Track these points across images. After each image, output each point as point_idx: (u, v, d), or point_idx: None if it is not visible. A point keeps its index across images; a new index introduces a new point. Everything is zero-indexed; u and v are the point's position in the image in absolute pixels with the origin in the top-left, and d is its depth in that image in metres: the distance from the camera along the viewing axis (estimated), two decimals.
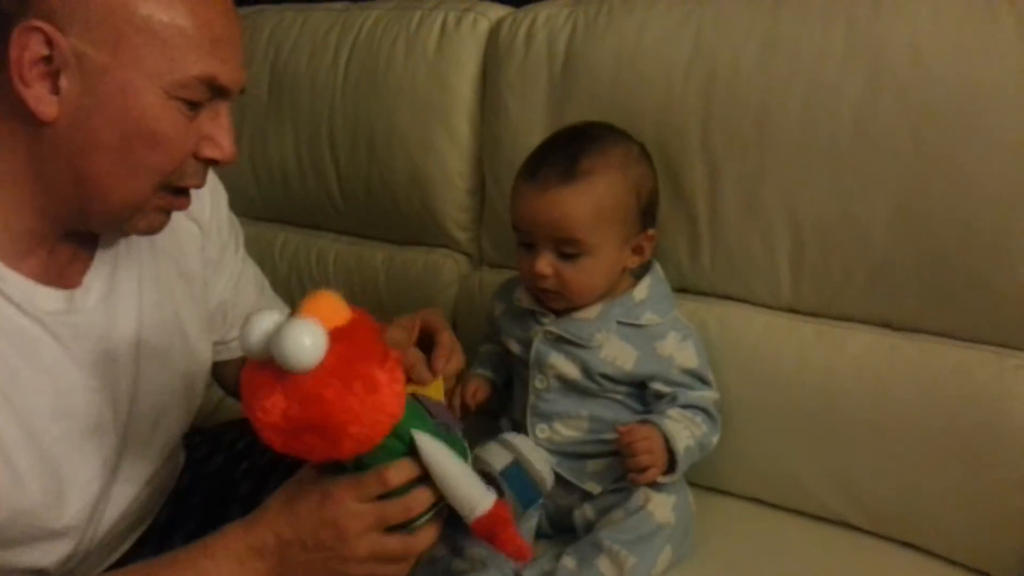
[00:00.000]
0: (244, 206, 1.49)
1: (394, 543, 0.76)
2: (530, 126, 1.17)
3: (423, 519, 0.78)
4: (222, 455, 1.06)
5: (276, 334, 0.68)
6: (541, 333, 1.02)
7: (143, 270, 0.87)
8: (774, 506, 1.07)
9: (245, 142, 1.49)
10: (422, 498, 0.77)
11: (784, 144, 0.99)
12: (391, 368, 0.74)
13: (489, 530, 0.77)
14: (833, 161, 0.97)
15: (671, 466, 0.95)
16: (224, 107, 0.78)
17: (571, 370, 1.00)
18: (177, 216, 0.84)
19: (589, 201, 0.96)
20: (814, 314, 1.05)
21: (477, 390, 1.06)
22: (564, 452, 1.02)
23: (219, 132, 0.77)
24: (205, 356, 0.96)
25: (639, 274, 1.06)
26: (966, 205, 0.92)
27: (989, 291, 0.93)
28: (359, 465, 0.78)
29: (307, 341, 0.68)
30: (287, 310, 0.73)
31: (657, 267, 1.06)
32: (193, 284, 0.94)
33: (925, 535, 0.99)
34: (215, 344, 1.00)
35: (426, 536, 0.78)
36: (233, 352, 1.03)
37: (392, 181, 1.33)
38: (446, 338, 0.92)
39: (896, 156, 0.94)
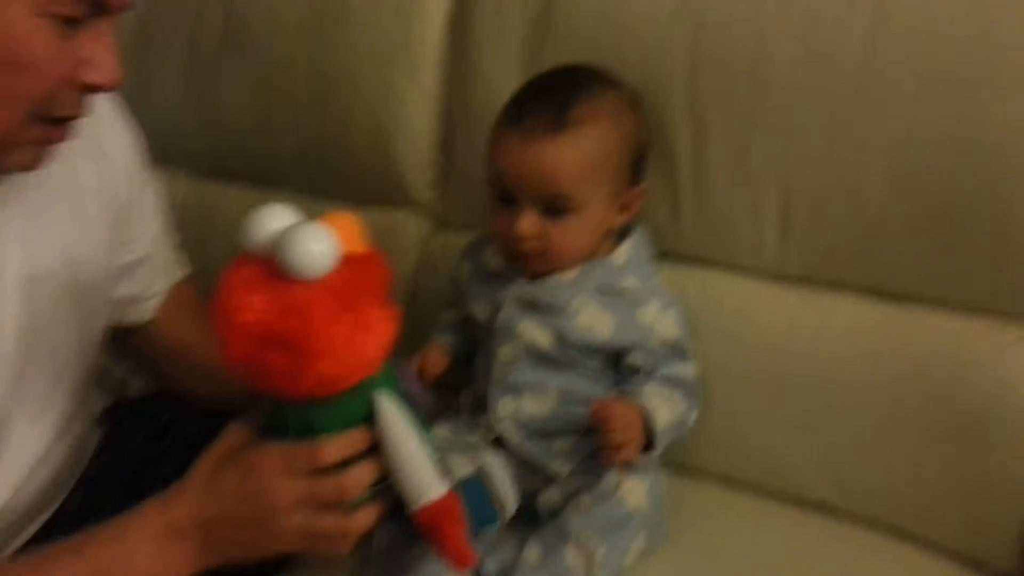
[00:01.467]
0: (187, 161, 1.39)
1: (328, 522, 0.69)
2: (503, 75, 1.07)
3: (362, 498, 0.71)
4: (143, 431, 0.98)
5: (289, 231, 0.64)
6: (511, 298, 0.94)
7: (31, 211, 0.77)
8: (752, 488, 1.00)
9: (193, 90, 1.37)
10: (361, 477, 0.70)
11: (777, 94, 0.92)
12: (387, 318, 0.68)
13: (434, 523, 0.70)
14: (830, 112, 0.90)
15: (647, 445, 0.87)
16: (107, 25, 0.68)
17: (543, 338, 0.92)
18: (76, 152, 0.77)
19: (580, 153, 0.88)
20: (800, 279, 0.98)
21: (436, 360, 0.98)
22: (530, 429, 0.94)
23: (101, 54, 0.68)
24: (102, 306, 0.87)
25: (618, 236, 0.98)
26: (973, 158, 0.85)
27: (992, 254, 0.87)
28: (303, 427, 0.70)
29: (319, 248, 0.64)
30: None
31: (639, 230, 0.98)
32: (93, 228, 0.84)
33: (915, 520, 0.93)
34: (127, 303, 0.91)
35: (365, 517, 0.71)
36: (147, 313, 0.94)
37: (351, 134, 1.23)
38: None
39: (899, 105, 0.87)
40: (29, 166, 0.72)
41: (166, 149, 0.99)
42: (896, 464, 0.92)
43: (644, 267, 0.96)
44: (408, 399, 0.74)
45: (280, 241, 0.64)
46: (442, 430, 0.96)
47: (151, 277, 0.94)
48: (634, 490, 0.87)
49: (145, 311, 0.95)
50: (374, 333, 0.67)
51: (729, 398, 0.98)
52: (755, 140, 0.94)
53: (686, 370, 0.93)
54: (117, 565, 0.68)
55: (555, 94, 0.90)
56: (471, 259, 1.02)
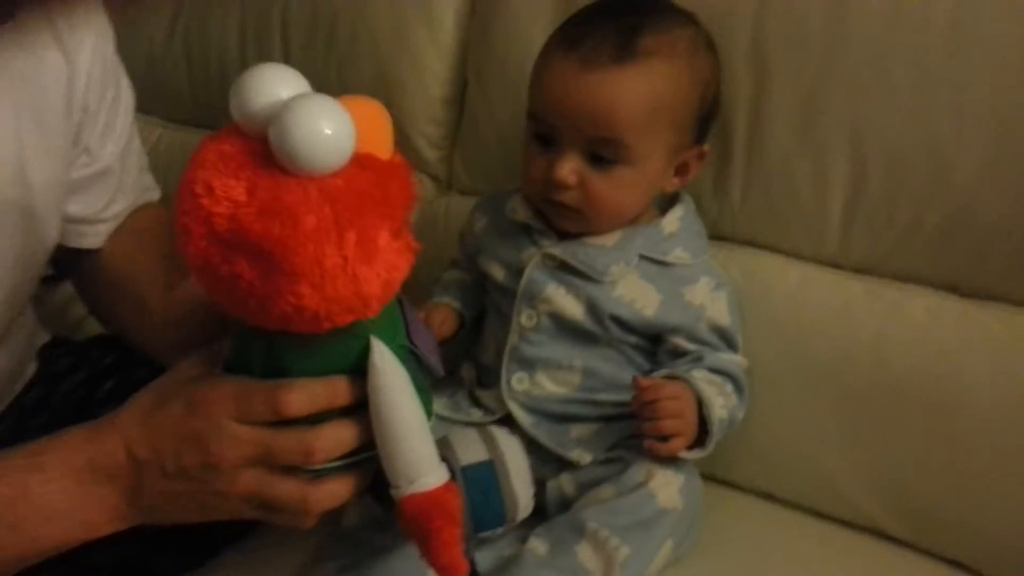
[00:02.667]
0: (172, 108, 1.26)
1: (284, 489, 0.55)
2: (531, 27, 0.94)
3: (334, 465, 0.56)
4: (84, 372, 0.84)
5: (292, 102, 0.49)
6: (539, 256, 0.80)
7: None
8: (793, 505, 0.85)
9: (179, 30, 1.25)
10: (334, 439, 0.55)
11: (858, 49, 0.78)
12: (401, 249, 0.53)
13: (423, 518, 0.55)
14: (918, 71, 0.77)
15: (699, 438, 0.73)
16: None
17: (573, 308, 0.78)
18: (43, 43, 0.70)
19: (646, 90, 0.74)
20: (863, 271, 0.84)
21: (444, 320, 0.82)
22: (543, 411, 0.79)
23: None
24: (51, 221, 0.74)
25: (663, 204, 0.84)
26: None
27: None
28: (271, 366, 0.55)
29: (326, 132, 0.49)
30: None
31: (688, 199, 0.85)
32: (51, 130, 0.72)
33: (983, 557, 0.78)
34: (79, 222, 0.78)
35: (331, 490, 0.56)
36: (98, 238, 0.80)
37: (353, 82, 1.09)
38: None
39: (1002, 68, 0.74)
40: None
41: (148, 94, 0.86)
42: (970, 492, 0.77)
43: (695, 240, 0.83)
44: (413, 356, 0.59)
45: (277, 114, 0.49)
46: (437, 405, 0.80)
47: (107, 197, 0.81)
48: (667, 485, 0.72)
49: (98, 234, 0.81)
50: (380, 264, 0.52)
51: (773, 400, 0.83)
52: (826, 100, 0.80)
53: (737, 361, 0.80)
54: (26, 498, 0.55)
55: (624, 17, 0.76)
56: (488, 211, 0.87)
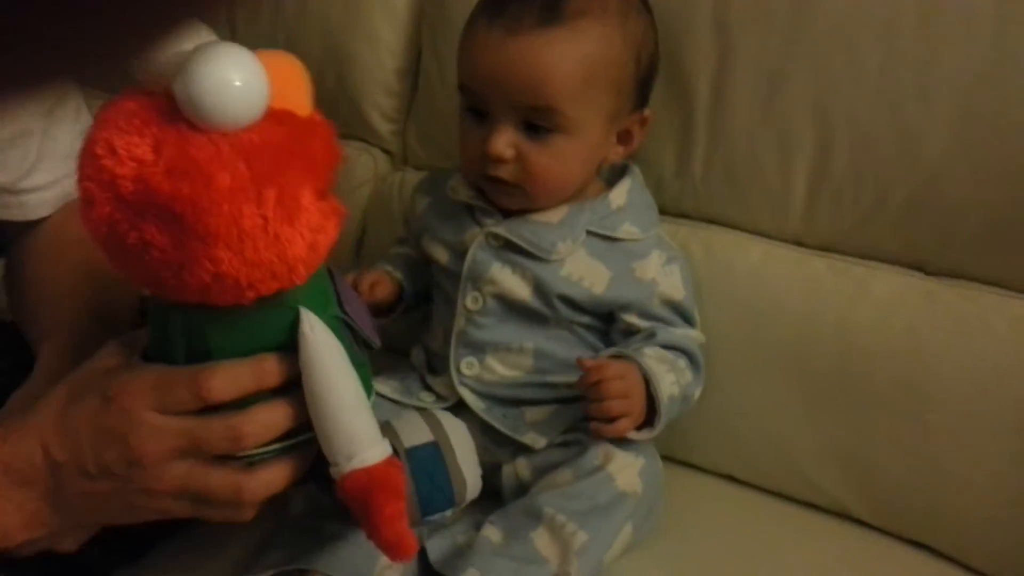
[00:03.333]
0: (100, 80, 1.21)
1: (218, 480, 0.51)
2: None
3: (269, 450, 0.52)
4: (12, 357, 0.76)
5: (200, 53, 0.45)
6: (482, 236, 0.76)
7: None
8: (756, 487, 0.83)
9: None
10: (265, 422, 0.51)
11: (824, 22, 0.76)
12: (326, 210, 0.49)
13: (365, 496, 0.52)
14: (887, 42, 0.74)
15: (649, 418, 0.70)
16: None
17: (519, 288, 0.75)
18: None
19: (577, 53, 0.70)
20: (827, 248, 0.82)
21: (377, 283, 0.78)
22: (496, 396, 0.76)
23: None
24: None
25: (611, 178, 0.81)
26: None
27: None
28: (193, 346, 0.51)
29: (235, 83, 0.45)
30: None
31: (636, 170, 0.82)
32: None
33: (952, 538, 0.76)
34: (2, 192, 0.72)
35: (268, 478, 0.53)
36: (27, 210, 0.74)
37: (302, 53, 0.98)
38: None
39: (974, 38, 0.72)
40: None
41: None
42: (936, 472, 0.76)
43: (644, 213, 0.80)
44: (347, 327, 0.56)
45: (182, 66, 0.45)
46: (386, 388, 0.77)
47: (27, 163, 0.74)
48: (626, 468, 0.70)
49: (22, 206, 0.75)
50: (304, 224, 0.48)
51: (735, 379, 0.81)
52: (791, 75, 0.78)
53: (692, 335, 0.77)
54: None
55: None
56: (429, 192, 0.84)
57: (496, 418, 0.75)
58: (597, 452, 0.70)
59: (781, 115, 0.79)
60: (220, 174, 0.46)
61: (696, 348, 0.76)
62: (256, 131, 0.47)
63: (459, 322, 0.77)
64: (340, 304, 0.56)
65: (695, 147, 0.84)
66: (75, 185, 0.51)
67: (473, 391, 0.76)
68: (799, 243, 0.83)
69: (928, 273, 0.79)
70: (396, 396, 0.77)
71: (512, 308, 0.76)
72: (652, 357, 0.72)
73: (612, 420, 0.68)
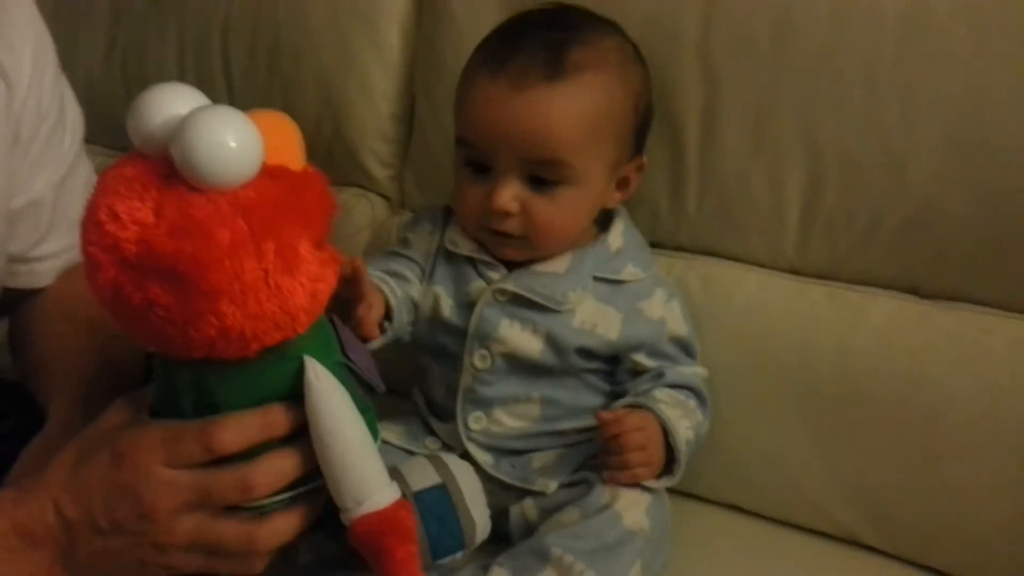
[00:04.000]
0: (112, 136, 1.20)
1: (229, 531, 0.52)
2: (479, 32, 0.89)
3: (279, 499, 0.53)
4: (17, 417, 0.77)
5: (193, 115, 0.47)
6: (489, 293, 0.75)
7: None
8: (763, 517, 0.83)
9: (117, 55, 1.22)
10: (274, 470, 0.52)
11: (807, 51, 0.77)
12: (324, 260, 0.50)
13: (376, 537, 0.53)
14: (870, 74, 0.76)
15: (667, 466, 0.71)
16: None
17: (530, 345, 0.75)
18: None
19: (582, 106, 0.71)
20: (822, 276, 0.83)
21: (372, 306, 0.71)
22: (503, 448, 0.76)
23: None
24: None
25: (599, 219, 0.81)
26: None
27: None
28: (201, 400, 0.52)
29: (231, 143, 0.47)
30: None
31: (623, 210, 0.82)
32: None
33: (958, 558, 0.77)
34: (12, 261, 0.73)
35: (278, 526, 0.53)
36: (36, 277, 0.76)
37: (299, 103, 1.06)
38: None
39: (956, 64, 0.73)
40: None
41: (86, 122, 0.83)
42: (941, 495, 0.76)
43: (641, 252, 0.81)
44: (351, 373, 0.56)
45: (178, 129, 0.47)
46: (392, 435, 0.78)
47: (38, 233, 0.75)
48: (632, 506, 0.70)
49: (31, 273, 0.76)
50: (303, 274, 0.50)
51: (736, 409, 0.82)
52: (778, 106, 0.79)
53: (697, 372, 0.78)
54: None
55: (549, 32, 0.73)
56: (440, 229, 0.81)
57: (504, 472, 0.75)
58: (604, 490, 0.70)
59: (771, 146, 0.81)
60: (220, 231, 0.47)
61: (702, 385, 0.77)
62: (253, 188, 0.49)
63: (465, 379, 0.76)
64: (343, 350, 0.57)
65: (688, 181, 0.85)
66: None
67: (481, 446, 0.76)
68: (795, 272, 0.84)
69: (923, 296, 0.79)
70: (402, 443, 0.77)
71: (520, 364, 0.75)
72: (666, 403, 0.72)
73: (633, 470, 0.69)
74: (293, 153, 0.54)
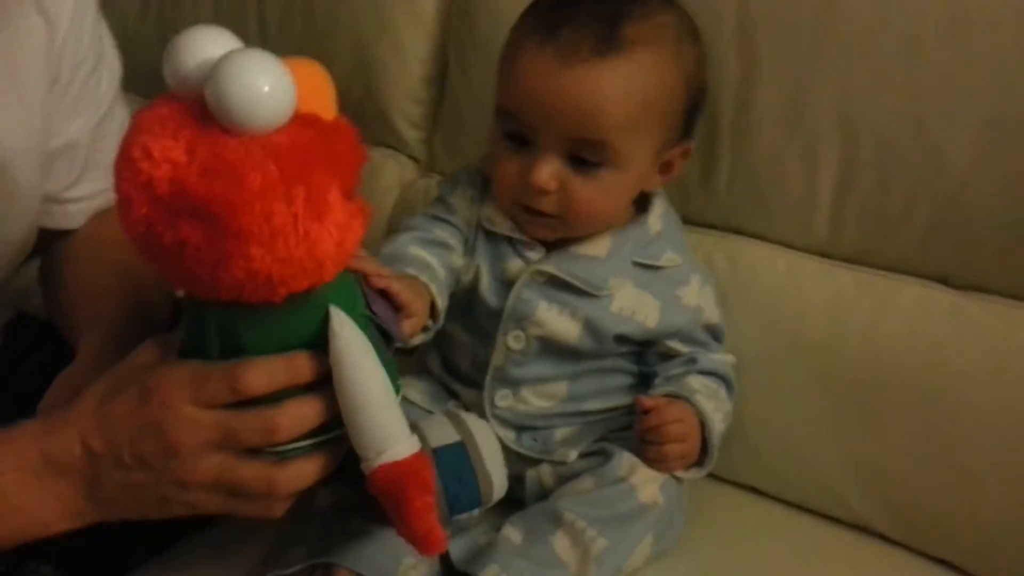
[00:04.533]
0: (149, 84, 1.20)
1: (250, 473, 0.52)
2: (513, 2, 0.92)
3: (300, 445, 0.53)
4: (46, 352, 0.79)
5: (227, 58, 0.47)
6: (527, 274, 0.74)
7: None
8: (779, 499, 0.83)
9: (153, 8, 1.22)
10: (298, 416, 0.52)
11: (848, 30, 0.76)
12: (353, 210, 0.50)
13: (395, 488, 0.53)
14: (911, 55, 0.74)
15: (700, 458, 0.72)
16: None
17: (568, 330, 0.73)
18: (19, 10, 0.66)
19: (633, 86, 0.68)
20: (852, 261, 0.82)
21: (415, 314, 0.67)
22: (524, 425, 0.76)
23: None
24: (27, 196, 0.70)
25: (638, 200, 0.79)
26: None
27: None
28: (228, 343, 0.53)
29: (264, 86, 0.47)
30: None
31: (661, 190, 0.80)
32: (26, 101, 0.69)
33: (976, 557, 0.76)
34: (47, 200, 0.74)
35: (299, 471, 0.54)
36: (69, 219, 0.77)
37: (332, 61, 0.99)
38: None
39: (997, 51, 0.72)
40: None
41: (124, 71, 0.83)
42: (961, 488, 0.75)
43: (678, 236, 0.80)
44: (374, 325, 0.57)
45: (212, 71, 0.47)
46: (415, 394, 0.78)
47: (73, 174, 0.77)
48: (649, 481, 0.70)
49: (65, 215, 0.77)
50: (331, 222, 0.50)
51: (758, 391, 0.81)
52: (816, 87, 0.78)
53: (726, 359, 0.78)
54: None
55: (602, 4, 0.69)
56: (479, 198, 0.78)
57: (526, 446, 0.75)
58: (621, 462, 0.70)
59: (806, 127, 0.79)
60: (251, 174, 0.47)
61: (731, 372, 0.77)
62: (285, 133, 0.49)
63: (497, 358, 0.75)
64: (367, 303, 0.57)
65: (720, 159, 0.84)
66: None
67: (504, 422, 0.76)
68: (825, 255, 0.83)
69: (953, 286, 0.78)
70: (425, 404, 0.77)
71: (554, 347, 0.74)
72: (702, 394, 0.72)
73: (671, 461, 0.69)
74: (325, 102, 0.54)
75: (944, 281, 0.79)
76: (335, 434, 0.55)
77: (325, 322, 0.53)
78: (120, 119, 0.80)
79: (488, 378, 0.75)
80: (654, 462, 0.69)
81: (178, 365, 0.53)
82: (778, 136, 0.81)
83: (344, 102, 1.09)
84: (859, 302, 0.79)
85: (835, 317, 0.80)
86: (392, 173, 1.03)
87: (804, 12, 0.78)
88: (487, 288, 0.75)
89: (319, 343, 0.53)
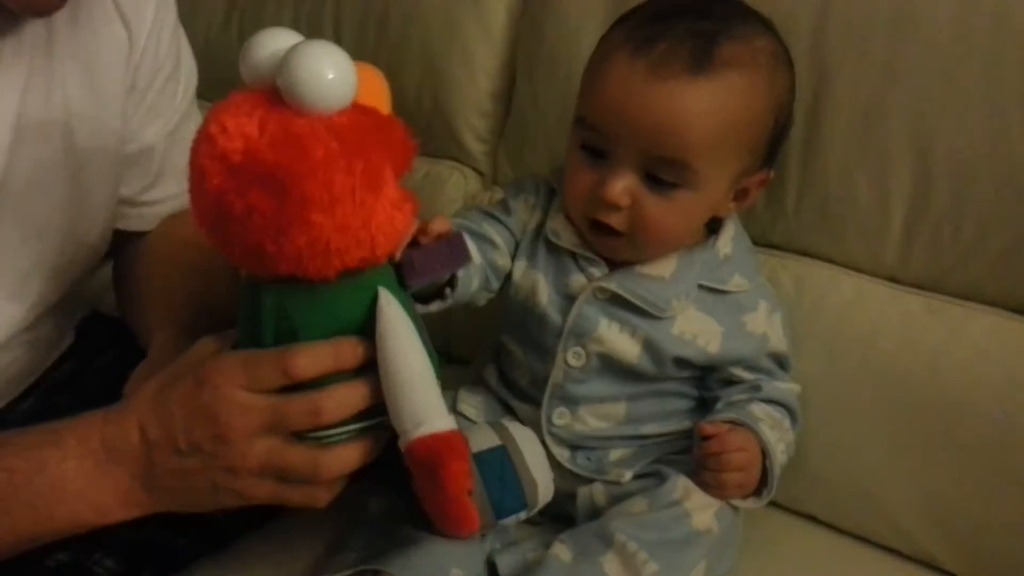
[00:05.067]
0: (224, 94, 1.25)
1: (297, 456, 0.54)
2: (583, 16, 0.91)
3: (345, 430, 0.55)
4: (118, 349, 0.81)
5: (297, 48, 0.52)
6: (590, 290, 0.73)
7: (33, 70, 0.65)
8: (838, 529, 0.81)
9: (235, 17, 1.25)
10: (344, 399, 0.54)
11: (925, 50, 0.74)
12: (405, 197, 0.56)
13: (431, 456, 0.54)
14: (991, 80, 0.73)
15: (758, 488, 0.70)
16: None
17: (628, 349, 0.72)
18: (103, 17, 0.70)
19: (721, 108, 0.66)
20: (923, 286, 0.80)
21: (440, 223, 0.64)
22: (580, 445, 0.76)
23: None
24: (103, 198, 0.73)
25: (709, 220, 0.77)
26: None
27: None
28: (280, 323, 0.56)
29: (330, 72, 0.52)
30: None
31: (734, 214, 0.78)
32: (105, 106, 0.72)
33: None
34: (122, 203, 0.77)
35: (343, 455, 0.55)
36: (143, 221, 0.79)
37: (403, 72, 1.07)
38: None
39: None
40: (39, 8, 0.61)
41: (203, 79, 0.86)
42: None
43: (748, 261, 0.78)
44: (414, 305, 0.59)
45: (285, 57, 0.52)
46: (470, 410, 0.78)
47: (147, 179, 0.79)
48: (704, 507, 0.68)
49: (140, 217, 0.80)
50: (385, 197, 0.54)
51: (821, 416, 0.79)
52: (890, 107, 0.76)
53: (792, 388, 0.76)
54: (43, 474, 0.54)
55: (701, 21, 0.67)
56: (543, 207, 0.77)
57: (579, 464, 0.75)
58: (676, 486, 0.69)
59: (878, 149, 0.78)
60: (316, 146, 0.51)
61: (796, 403, 0.75)
62: (347, 116, 0.53)
63: (556, 375, 0.74)
64: (403, 284, 0.59)
65: (788, 178, 0.83)
66: (188, 201, 0.56)
67: (560, 441, 0.75)
68: (894, 279, 0.81)
69: None
70: (479, 419, 0.77)
71: (614, 366, 0.73)
72: (765, 423, 0.70)
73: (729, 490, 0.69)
74: (381, 100, 0.59)
75: (1019, 311, 0.76)
76: (378, 420, 0.57)
77: (373, 306, 0.56)
78: (194, 127, 0.81)
79: (547, 395, 0.75)
80: (711, 489, 0.68)
81: (232, 354, 0.56)
82: (849, 155, 0.79)
83: (413, 113, 1.12)
84: (929, 329, 0.77)
85: (904, 343, 0.78)
86: (456, 185, 1.04)
87: (880, 27, 0.76)
88: (548, 302, 0.74)
89: (367, 328, 0.56)
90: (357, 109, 0.54)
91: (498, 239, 0.76)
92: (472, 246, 0.71)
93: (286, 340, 0.55)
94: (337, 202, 0.52)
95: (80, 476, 0.54)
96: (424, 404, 0.55)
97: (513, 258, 0.77)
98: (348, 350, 0.55)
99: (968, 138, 0.74)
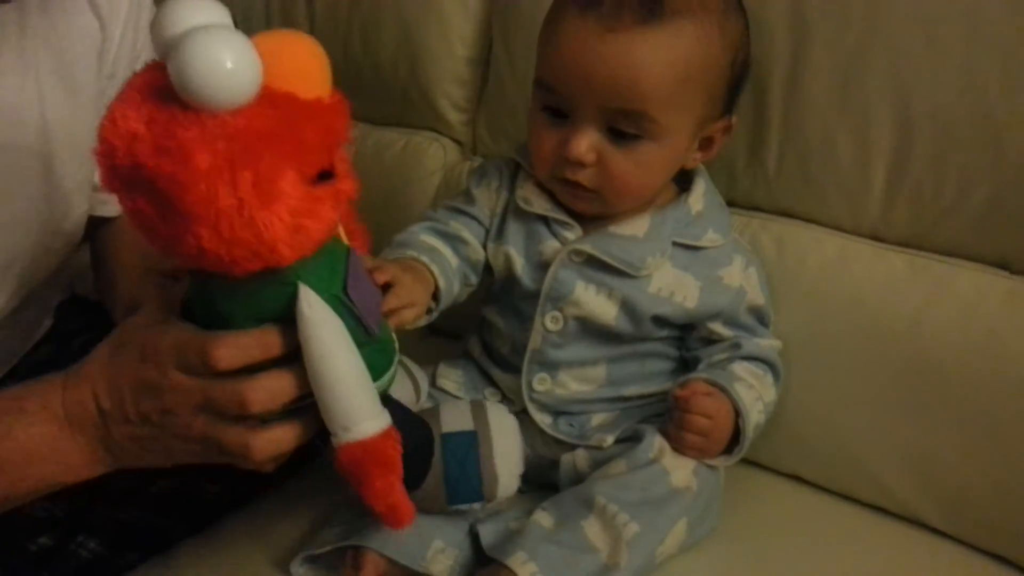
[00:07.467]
0: None
1: (228, 436, 0.54)
2: None
3: (279, 413, 0.54)
4: (96, 331, 0.80)
5: (194, 34, 0.45)
6: (564, 253, 0.73)
7: (4, 53, 0.65)
8: (821, 487, 0.81)
9: None
10: (269, 389, 0.53)
11: (904, 8, 0.73)
12: (317, 196, 0.49)
13: (359, 467, 0.53)
14: (970, 35, 0.71)
15: (729, 444, 0.71)
16: None
17: (605, 310, 0.72)
18: (74, 8, 0.69)
19: (675, 56, 0.66)
20: (905, 244, 0.79)
21: (413, 305, 0.65)
22: (562, 410, 0.76)
23: None
24: (77, 185, 0.73)
25: (678, 178, 0.78)
26: None
27: None
28: (209, 310, 0.54)
29: (228, 64, 0.45)
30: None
31: (703, 169, 0.79)
32: (77, 94, 0.71)
33: None
34: (96, 189, 0.77)
35: (275, 437, 0.55)
36: (114, 207, 0.79)
37: (377, 41, 1.06)
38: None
39: None
40: None
41: None
42: (1013, 480, 0.72)
43: (721, 216, 0.78)
44: (352, 303, 0.55)
45: (175, 45, 0.45)
46: (450, 384, 0.78)
47: None
48: (681, 466, 0.69)
49: (113, 204, 0.79)
50: (282, 208, 0.47)
51: (803, 375, 0.79)
52: (869, 64, 0.75)
53: (773, 345, 0.76)
54: (10, 438, 0.55)
55: None
56: (508, 185, 0.78)
57: (562, 431, 0.75)
58: (652, 444, 0.69)
59: (858, 106, 0.77)
60: (200, 154, 0.46)
61: (778, 359, 0.75)
62: (244, 114, 0.47)
63: (535, 340, 0.74)
64: (346, 287, 0.55)
65: (768, 139, 0.82)
66: None
67: (542, 407, 0.75)
68: (876, 238, 0.80)
69: (1013, 272, 0.75)
70: (459, 393, 0.77)
71: (592, 328, 0.73)
72: (744, 382, 0.71)
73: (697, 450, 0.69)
74: (310, 79, 0.51)
75: (1004, 266, 0.76)
76: (310, 402, 0.55)
77: (293, 297, 0.53)
78: None
79: (526, 361, 0.75)
80: (672, 442, 0.69)
81: (170, 329, 0.54)
82: (829, 114, 0.78)
83: (389, 84, 1.10)
84: (912, 286, 0.77)
85: (886, 302, 0.77)
86: (435, 157, 1.03)
87: None
88: (522, 271, 0.74)
89: (294, 318, 0.53)
90: (263, 101, 0.47)
91: (467, 234, 0.76)
92: (448, 249, 0.73)
93: (216, 325, 0.53)
94: (222, 216, 0.46)
95: (46, 440, 0.55)
96: (350, 408, 0.53)
97: (484, 246, 0.77)
98: (273, 340, 0.53)
99: (948, 95, 0.73)
